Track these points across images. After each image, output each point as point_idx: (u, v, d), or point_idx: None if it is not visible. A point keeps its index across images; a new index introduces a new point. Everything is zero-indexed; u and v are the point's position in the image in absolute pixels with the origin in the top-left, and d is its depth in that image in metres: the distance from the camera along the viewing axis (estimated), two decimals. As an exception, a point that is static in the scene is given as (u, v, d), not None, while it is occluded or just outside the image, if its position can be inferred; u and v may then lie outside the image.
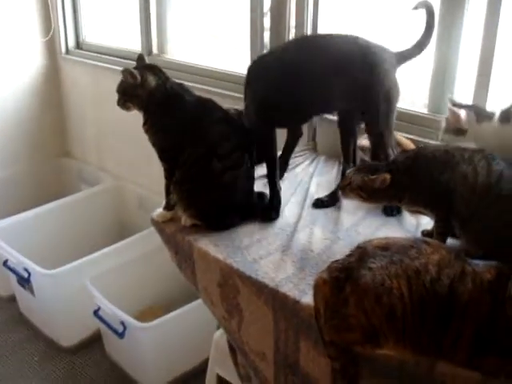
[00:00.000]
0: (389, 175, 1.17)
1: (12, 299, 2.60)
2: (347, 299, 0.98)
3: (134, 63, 1.51)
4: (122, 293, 2.20)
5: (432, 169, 1.16)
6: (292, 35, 2.01)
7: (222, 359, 1.73)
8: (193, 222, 1.44)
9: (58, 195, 2.83)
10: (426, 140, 1.64)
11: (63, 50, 3.02)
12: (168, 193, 1.47)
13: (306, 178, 1.71)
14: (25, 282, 2.33)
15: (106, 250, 2.34)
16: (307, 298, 1.14)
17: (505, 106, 1.27)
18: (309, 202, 1.55)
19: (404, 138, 1.62)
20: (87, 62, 2.90)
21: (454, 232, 1.18)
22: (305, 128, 1.70)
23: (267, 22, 2.07)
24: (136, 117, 1.49)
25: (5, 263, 2.36)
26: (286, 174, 1.69)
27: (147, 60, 1.55)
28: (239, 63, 2.27)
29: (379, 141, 1.44)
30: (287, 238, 1.39)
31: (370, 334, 0.97)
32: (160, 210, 1.50)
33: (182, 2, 2.58)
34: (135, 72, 1.42)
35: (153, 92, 1.44)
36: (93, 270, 2.22)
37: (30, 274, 2.27)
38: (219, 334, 1.76)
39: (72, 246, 2.59)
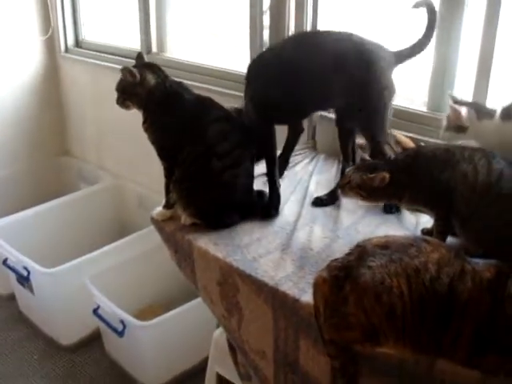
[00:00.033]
0: (388, 174, 1.17)
1: (11, 298, 2.60)
2: (347, 298, 0.98)
3: (133, 62, 1.50)
4: (121, 291, 2.20)
5: (432, 167, 1.16)
6: (291, 33, 2.00)
7: (221, 358, 1.73)
8: (192, 220, 1.44)
9: (58, 194, 2.83)
10: (426, 138, 1.64)
11: (62, 48, 3.02)
12: (167, 191, 1.47)
13: (306, 176, 1.71)
14: (24, 280, 2.33)
15: (105, 248, 2.34)
16: (307, 297, 1.14)
17: (506, 103, 1.27)
18: (308, 200, 1.55)
19: (403, 137, 1.62)
20: (86, 61, 2.90)
21: (454, 231, 1.18)
22: (305, 126, 1.70)
23: (267, 19, 2.07)
24: (135, 115, 1.48)
25: (4, 262, 2.36)
26: (285, 173, 1.69)
27: (146, 58, 1.55)
28: (239, 61, 2.27)
29: (374, 139, 1.44)
30: (287, 236, 1.38)
31: (370, 333, 0.97)
32: (160, 208, 1.50)
33: (181, 0, 2.58)
34: (134, 70, 1.42)
35: (152, 90, 1.43)
36: (92, 269, 2.22)
37: (29, 273, 2.27)
38: (219, 333, 1.76)
39: (71, 244, 2.59)
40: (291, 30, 2.01)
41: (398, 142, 1.53)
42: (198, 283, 1.43)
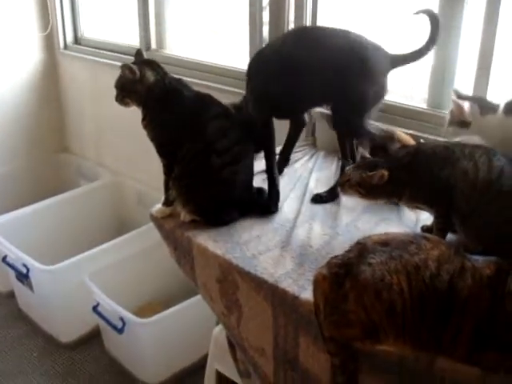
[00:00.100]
0: (387, 171, 1.17)
1: (11, 295, 2.60)
2: (347, 295, 0.98)
3: (132, 58, 1.50)
4: (120, 288, 2.20)
5: (432, 165, 1.16)
6: (291, 28, 2.00)
7: (221, 355, 1.73)
8: (192, 217, 1.44)
9: (57, 191, 2.82)
10: (426, 135, 1.64)
11: (61, 45, 3.01)
12: (167, 188, 1.46)
13: (306, 173, 1.70)
14: (24, 277, 2.33)
15: (104, 245, 2.34)
16: (306, 294, 1.14)
17: (509, 98, 1.27)
18: (308, 197, 1.55)
19: (404, 134, 1.62)
20: (85, 58, 2.89)
21: (454, 228, 1.18)
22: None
23: (266, 16, 2.07)
24: (135, 112, 1.48)
25: (4, 259, 2.36)
26: (285, 170, 1.69)
27: (145, 55, 1.54)
28: (238, 58, 2.26)
29: (348, 136, 1.47)
30: (286, 233, 1.38)
31: (370, 330, 0.97)
32: (159, 205, 1.49)
33: (181, -4, 2.58)
34: (134, 67, 1.42)
35: (151, 87, 1.43)
36: (92, 266, 2.22)
37: (28, 270, 2.27)
38: (218, 330, 1.76)
39: (71, 241, 2.59)
40: (291, 26, 2.00)
41: (398, 140, 1.53)
42: (197, 280, 1.43)
